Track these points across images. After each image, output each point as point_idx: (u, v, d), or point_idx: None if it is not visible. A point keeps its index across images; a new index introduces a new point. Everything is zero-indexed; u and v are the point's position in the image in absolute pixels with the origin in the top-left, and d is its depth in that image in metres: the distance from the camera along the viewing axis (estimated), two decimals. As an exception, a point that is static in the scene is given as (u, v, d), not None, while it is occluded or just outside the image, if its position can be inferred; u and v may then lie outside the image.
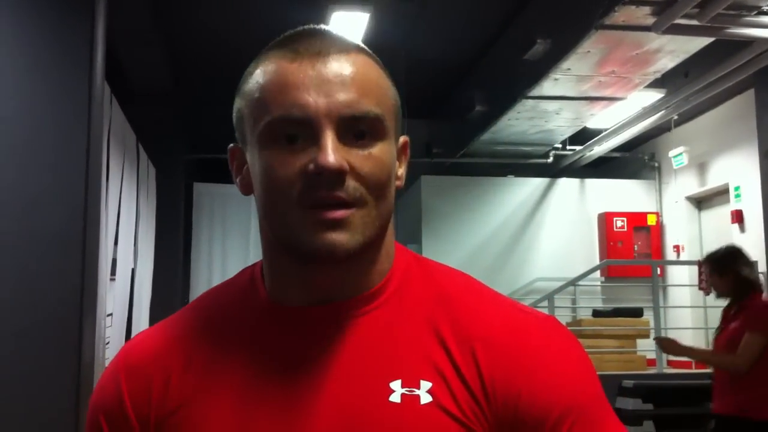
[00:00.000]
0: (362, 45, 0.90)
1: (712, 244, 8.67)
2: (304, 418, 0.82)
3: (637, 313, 8.75)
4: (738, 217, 8.08)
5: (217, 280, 8.76)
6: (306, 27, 0.90)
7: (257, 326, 0.89)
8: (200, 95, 8.84)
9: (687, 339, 8.59)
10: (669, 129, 8.55)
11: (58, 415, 3.60)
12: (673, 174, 9.35)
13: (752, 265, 4.26)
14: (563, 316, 8.68)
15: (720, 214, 8.68)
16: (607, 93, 6.88)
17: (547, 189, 9.65)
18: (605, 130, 8.54)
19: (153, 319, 7.49)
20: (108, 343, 6.39)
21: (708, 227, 9.08)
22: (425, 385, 0.82)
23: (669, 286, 9.14)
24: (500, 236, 9.40)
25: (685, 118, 8.34)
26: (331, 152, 0.81)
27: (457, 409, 0.82)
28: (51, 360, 3.65)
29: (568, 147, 9.46)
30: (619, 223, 9.54)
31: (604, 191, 9.70)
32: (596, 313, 8.93)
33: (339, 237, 0.82)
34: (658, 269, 8.53)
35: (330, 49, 0.85)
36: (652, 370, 8.09)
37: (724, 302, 4.21)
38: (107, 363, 5.43)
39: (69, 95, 3.74)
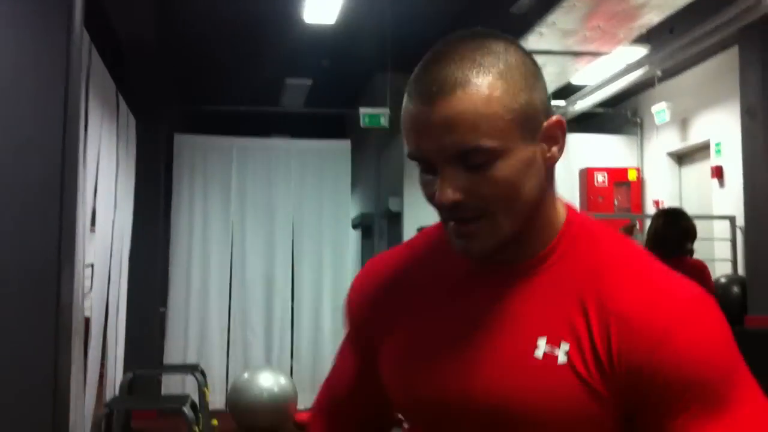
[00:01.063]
0: (483, 64, 0.93)
1: (692, 200, 8.75)
2: (465, 353, 0.97)
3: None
4: (718, 172, 8.13)
5: (198, 232, 8.76)
6: (435, 53, 0.97)
7: (446, 272, 1.04)
8: (183, 46, 8.73)
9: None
10: (652, 85, 8.54)
11: (38, 362, 3.61)
12: (655, 130, 9.37)
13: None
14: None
15: (700, 170, 8.73)
16: (591, 48, 6.85)
17: (530, 143, 9.65)
18: (589, 85, 8.52)
19: (132, 269, 7.49)
20: (89, 292, 6.38)
21: (688, 183, 9.14)
22: (564, 346, 0.92)
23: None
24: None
25: (669, 74, 8.33)
26: (444, 190, 0.93)
27: (587, 373, 0.91)
28: (30, 308, 3.65)
29: (551, 102, 9.44)
30: (600, 178, 9.57)
31: (586, 146, 9.71)
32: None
33: (470, 245, 0.96)
34: (638, 223, 8.59)
35: (440, 91, 0.91)
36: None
37: (703, 250, 4.24)
38: (86, 313, 5.44)
39: (47, 43, 3.68)
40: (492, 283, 0.99)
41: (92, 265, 6.38)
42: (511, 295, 0.97)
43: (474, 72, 0.91)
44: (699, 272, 4.06)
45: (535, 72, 0.98)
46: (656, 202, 9.50)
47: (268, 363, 8.45)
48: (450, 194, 0.92)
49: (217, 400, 8.07)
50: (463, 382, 0.96)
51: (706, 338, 0.92)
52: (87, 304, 6.09)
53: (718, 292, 7.15)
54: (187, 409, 5.66)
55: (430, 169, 0.96)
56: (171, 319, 8.69)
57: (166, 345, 8.65)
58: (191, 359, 8.38)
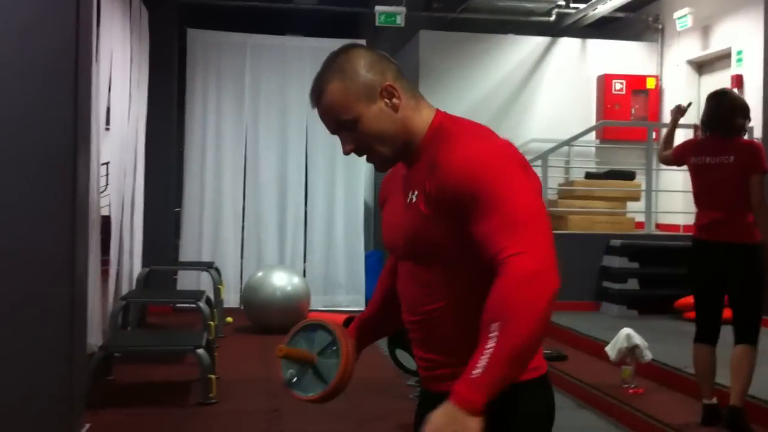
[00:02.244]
0: (331, 72, 1.60)
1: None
2: (393, 213, 1.69)
3: (629, 175, 8.81)
4: (738, 82, 8.00)
5: (211, 131, 8.73)
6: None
7: (397, 174, 1.72)
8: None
9: (678, 202, 8.71)
10: (676, -11, 8.33)
11: (56, 253, 3.68)
12: (676, 37, 9.19)
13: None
14: (556, 177, 8.75)
15: (720, 79, 8.59)
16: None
17: (547, 49, 9.49)
18: (610, -12, 8.31)
19: (148, 167, 7.52)
20: (104, 190, 6.44)
21: (707, 92, 8.99)
22: (414, 194, 1.60)
23: (663, 150, 9.14)
24: (497, 96, 9.32)
25: (693, -22, 8.12)
26: (343, 145, 1.64)
27: (422, 206, 1.57)
28: (48, 201, 3.69)
29: (571, 5, 9.24)
30: (618, 86, 9.44)
31: (604, 53, 9.54)
32: (589, 175, 8.99)
33: (375, 166, 1.68)
34: (654, 132, 8.52)
35: (315, 96, 1.62)
36: (639, 232, 8.23)
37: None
38: (104, 211, 5.49)
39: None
40: (401, 176, 1.68)
41: (107, 164, 6.42)
42: (406, 178, 1.65)
43: (327, 80, 1.60)
44: (754, 150, 4.06)
45: (370, 62, 1.60)
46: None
47: (282, 263, 8.57)
48: (346, 147, 1.64)
49: (231, 298, 8.23)
50: (391, 229, 1.69)
51: (482, 160, 1.49)
52: (105, 202, 6.16)
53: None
54: (202, 304, 5.79)
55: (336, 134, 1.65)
56: (186, 218, 8.78)
57: (181, 244, 8.77)
58: (206, 258, 8.50)
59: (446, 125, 1.62)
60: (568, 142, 8.32)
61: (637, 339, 4.84)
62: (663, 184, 8.78)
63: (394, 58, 1.66)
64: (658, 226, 8.46)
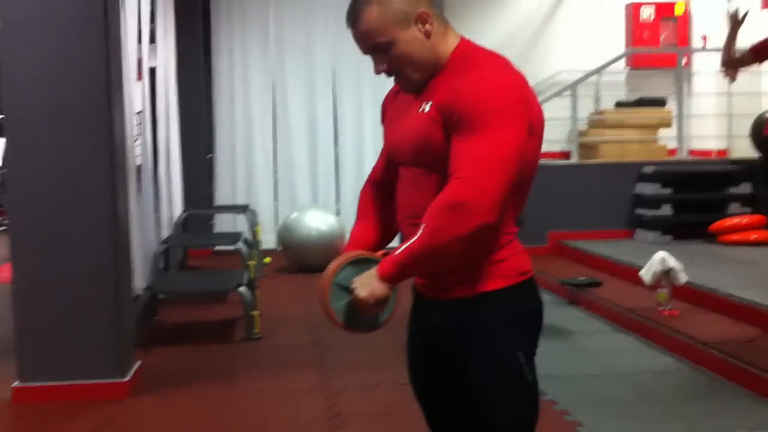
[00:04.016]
0: None
1: (741, 34, 8.48)
2: (402, 119, 1.79)
3: (660, 102, 8.75)
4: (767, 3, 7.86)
5: (239, 77, 8.78)
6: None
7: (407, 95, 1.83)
8: None
9: (710, 126, 8.64)
10: None
11: (98, 198, 3.80)
12: (705, -42, 9.01)
13: None
14: (585, 107, 8.70)
15: (750, 2, 8.42)
16: None
17: (574, -23, 9.35)
18: None
19: (180, 116, 7.61)
20: (137, 140, 6.54)
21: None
22: (428, 104, 1.70)
23: (695, 74, 9.03)
24: (524, 28, 9.23)
25: None
26: (376, 66, 1.75)
27: (433, 113, 1.68)
28: (87, 148, 3.80)
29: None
30: (646, 13, 9.31)
31: (632, -21, 9.38)
32: (619, 104, 8.93)
33: (402, 87, 1.79)
34: (684, 58, 8.41)
35: (352, 20, 1.71)
36: (672, 159, 8.20)
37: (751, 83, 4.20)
38: (137, 160, 5.58)
39: None
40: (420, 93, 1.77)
41: (140, 113, 6.51)
42: (424, 93, 1.73)
43: (365, 4, 1.69)
44: None
45: None
46: (703, 37, 9.26)
47: (315, 203, 8.67)
48: (378, 68, 1.75)
49: (267, 239, 8.36)
50: (399, 136, 1.80)
51: (488, 91, 1.62)
52: (138, 151, 6.26)
53: (764, 126, 7.08)
54: (241, 245, 5.92)
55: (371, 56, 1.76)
56: (219, 163, 8.89)
57: (215, 189, 8.90)
58: (240, 202, 8.63)
59: (469, 52, 1.73)
60: (597, 72, 8.25)
61: (672, 262, 4.89)
62: (694, 109, 8.70)
63: None
64: (691, 152, 8.41)
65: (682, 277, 4.90)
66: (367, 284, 1.67)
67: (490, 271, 1.71)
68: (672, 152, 8.34)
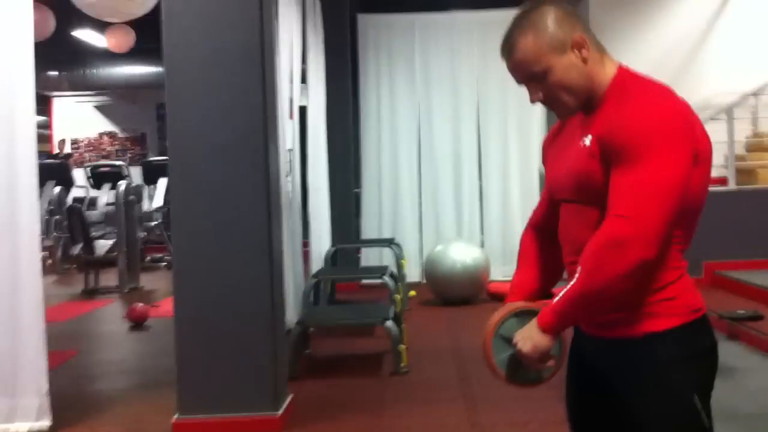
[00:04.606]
0: (524, 28, 1.67)
1: None
2: (563, 155, 1.77)
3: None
4: None
5: (386, 112, 8.97)
6: (507, 28, 1.72)
7: (569, 124, 1.81)
8: None
9: None
10: None
11: (254, 230, 3.96)
12: None
13: None
14: (743, 130, 8.30)
15: None
16: None
17: (728, -5, 8.99)
18: None
19: (329, 152, 7.84)
20: (288, 176, 6.79)
21: None
22: (588, 138, 1.67)
23: None
24: (675, 51, 8.92)
25: None
26: (531, 95, 1.72)
27: (593, 147, 1.64)
28: (245, 183, 3.97)
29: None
30: (812, 26, 8.79)
31: (791, -6, 8.90)
32: (783, 126, 8.48)
33: (558, 114, 1.76)
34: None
35: (507, 52, 1.70)
36: None
37: None
38: (289, 196, 5.77)
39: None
40: (579, 122, 1.74)
41: (291, 150, 6.76)
42: (584, 125, 1.71)
43: (519, 34, 1.68)
44: None
45: (561, 17, 1.66)
46: None
47: (459, 236, 8.69)
48: (534, 96, 1.72)
49: (412, 272, 8.44)
50: (559, 172, 1.78)
51: (645, 121, 1.58)
52: (289, 187, 6.50)
53: None
54: (387, 278, 6.01)
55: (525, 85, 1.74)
56: (365, 198, 9.08)
57: (362, 223, 9.09)
58: (386, 235, 8.77)
59: (628, 81, 1.69)
60: (755, 93, 7.86)
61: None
62: None
63: None
64: None
65: None
66: (530, 337, 1.65)
67: (660, 309, 1.64)
68: None
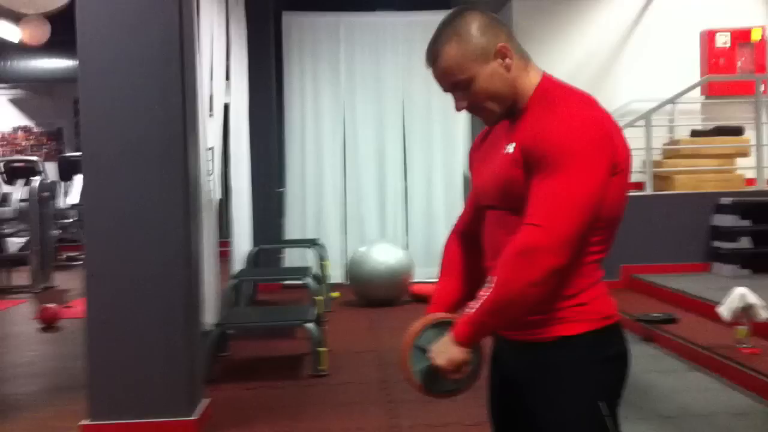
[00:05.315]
0: (448, 35, 1.68)
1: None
2: (487, 162, 1.78)
3: (737, 131, 8.51)
4: None
5: (310, 112, 8.89)
6: (433, 34, 1.72)
7: (495, 130, 1.82)
8: None
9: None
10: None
11: (171, 234, 3.85)
12: (782, -17, 8.77)
13: None
14: (660, 137, 8.52)
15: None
16: None
17: (646, 6, 9.21)
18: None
19: (252, 151, 7.73)
20: (210, 174, 6.65)
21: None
22: (511, 145, 1.66)
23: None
24: (595, 58, 9.13)
25: None
26: (456, 103, 1.74)
27: (516, 154, 1.64)
28: (162, 185, 3.86)
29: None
30: (722, 40, 9.10)
31: (706, 6, 9.19)
32: (695, 133, 8.73)
33: (484, 121, 1.78)
34: (762, 85, 8.17)
35: (432, 59, 1.70)
36: (750, 189, 7.94)
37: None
38: (209, 196, 5.65)
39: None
40: (504, 129, 1.75)
41: (212, 149, 6.63)
42: (508, 132, 1.72)
43: (443, 42, 1.68)
44: None
45: (484, 25, 1.67)
46: (783, 62, 8.99)
47: (383, 237, 8.67)
48: (459, 105, 1.73)
49: (336, 273, 8.39)
50: (484, 179, 1.78)
51: (565, 131, 1.58)
52: (211, 185, 6.37)
53: None
54: (309, 280, 5.94)
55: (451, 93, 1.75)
56: (289, 198, 8.98)
57: (285, 223, 8.99)
58: (309, 236, 8.69)
59: (551, 89, 1.71)
60: (672, 100, 8.07)
61: (753, 298, 4.71)
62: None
63: None
64: (769, 182, 8.13)
65: (764, 314, 4.71)
66: (445, 350, 1.65)
67: (572, 314, 1.65)
68: (749, 182, 8.09)
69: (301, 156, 8.95)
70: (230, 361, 5.32)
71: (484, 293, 1.61)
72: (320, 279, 6.73)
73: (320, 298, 5.77)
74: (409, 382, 1.72)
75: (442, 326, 1.71)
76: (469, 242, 1.88)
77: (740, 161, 8.29)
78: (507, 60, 1.68)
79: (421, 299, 7.46)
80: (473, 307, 1.62)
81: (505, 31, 1.71)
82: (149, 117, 3.84)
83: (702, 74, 9.04)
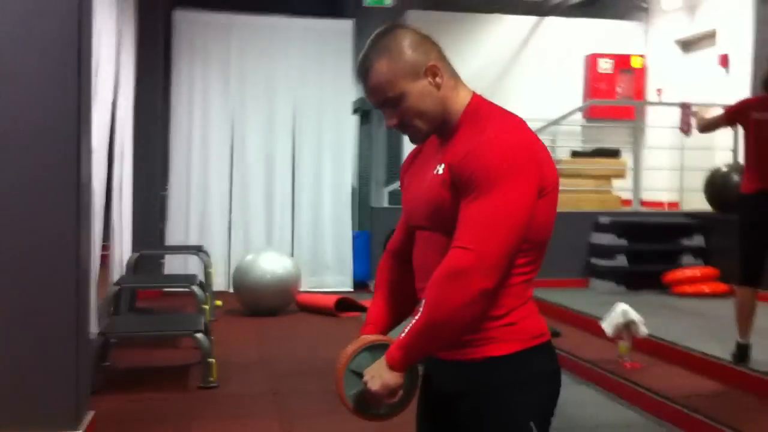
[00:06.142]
0: (379, 51, 1.68)
1: (697, 87, 8.71)
2: (416, 181, 1.78)
3: (614, 153, 8.89)
4: (724, 60, 8.07)
5: (198, 111, 8.65)
6: (364, 49, 1.72)
7: (425, 149, 1.83)
8: None
9: (662, 179, 8.79)
10: (661, -33, 8.37)
11: (60, 244, 3.65)
12: (662, 16, 9.24)
13: None
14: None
15: (705, 57, 8.66)
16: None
17: (534, 28, 9.51)
18: (596, -33, 8.34)
19: (135, 153, 7.46)
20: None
21: (693, 70, 9.07)
22: (441, 167, 1.66)
23: (650, 127, 9.18)
24: (483, 76, 9.31)
25: (678, -44, 8.16)
26: (387, 119, 1.73)
27: (445, 176, 1.64)
28: (52, 189, 3.65)
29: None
30: (604, 65, 9.49)
31: (591, 32, 9.58)
32: (575, 154, 9.06)
33: (412, 139, 1.77)
34: (643, 110, 8.57)
35: (363, 74, 1.70)
36: (626, 209, 8.30)
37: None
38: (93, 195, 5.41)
39: None
40: (434, 149, 1.76)
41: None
42: (438, 152, 1.72)
43: (374, 59, 1.67)
44: None
45: (416, 42, 1.68)
46: (658, 90, 9.47)
47: (269, 245, 8.54)
48: (389, 121, 1.72)
49: (219, 281, 8.20)
50: (415, 199, 1.76)
51: (493, 153, 1.58)
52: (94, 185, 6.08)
53: (718, 181, 7.23)
54: (196, 288, 5.77)
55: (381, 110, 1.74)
56: (172, 202, 8.71)
57: (167, 227, 8.71)
58: (192, 241, 8.45)
59: (481, 109, 1.70)
60: (557, 122, 8.35)
61: (633, 314, 4.90)
62: (647, 161, 8.85)
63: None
64: (642, 203, 8.54)
65: (643, 330, 4.91)
66: (379, 375, 1.63)
67: (501, 334, 1.65)
68: (625, 203, 8.46)
69: (187, 159, 8.69)
70: (112, 371, 5.07)
71: (415, 316, 1.60)
72: (204, 287, 6.55)
73: (207, 306, 5.62)
74: (344, 406, 1.71)
75: (376, 349, 1.70)
76: (401, 262, 1.87)
77: (617, 183, 8.65)
78: (437, 78, 1.68)
79: (308, 309, 7.39)
80: (403, 333, 1.61)
81: (436, 49, 1.71)
82: (41, 112, 3.61)
83: (585, 97, 9.40)
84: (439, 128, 1.71)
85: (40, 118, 3.61)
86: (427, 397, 1.81)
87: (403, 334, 1.61)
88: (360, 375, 1.67)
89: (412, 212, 1.78)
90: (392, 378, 1.62)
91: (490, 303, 1.60)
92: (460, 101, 1.70)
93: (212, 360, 4.77)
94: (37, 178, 3.61)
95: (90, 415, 3.85)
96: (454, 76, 1.72)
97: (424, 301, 1.59)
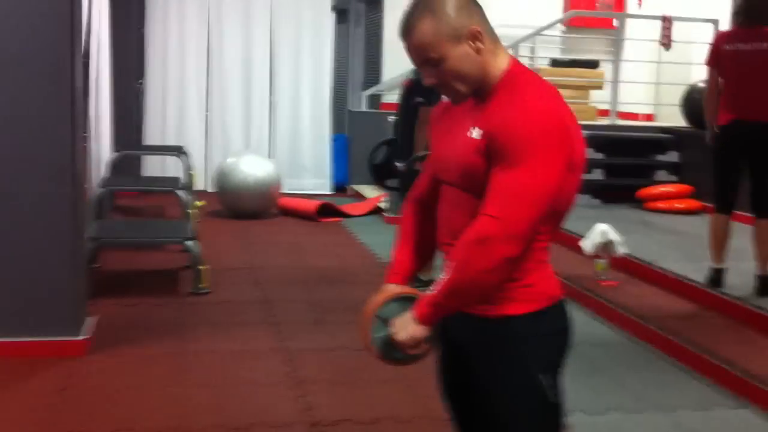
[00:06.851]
0: (422, 10, 1.69)
1: (676, 2, 8.68)
2: (449, 139, 1.80)
3: (593, 64, 8.91)
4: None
5: (173, 9, 8.42)
6: (407, 8, 1.73)
7: (461, 107, 1.82)
8: None
9: (639, 92, 8.87)
10: None
11: (57, 155, 3.66)
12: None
13: None
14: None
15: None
16: None
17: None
18: None
19: (113, 51, 7.30)
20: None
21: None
22: (477, 130, 1.69)
23: (629, 39, 9.19)
24: None
25: None
26: (426, 78, 1.76)
27: (480, 140, 1.68)
28: (49, 98, 3.64)
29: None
30: (585, -24, 9.40)
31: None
32: (554, 63, 9.05)
33: (451, 99, 1.80)
34: (616, 21, 8.55)
35: (405, 33, 1.72)
36: (603, 121, 8.39)
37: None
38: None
39: None
40: (469, 108, 1.77)
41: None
42: (473, 113, 1.75)
43: (418, 18, 1.70)
44: None
45: (460, 5, 1.69)
46: (639, 2, 9.44)
47: (248, 147, 8.54)
48: (428, 80, 1.75)
49: (198, 181, 8.20)
50: (446, 157, 1.80)
51: (528, 124, 1.62)
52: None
53: (695, 96, 7.33)
54: (181, 192, 5.81)
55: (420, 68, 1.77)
56: (149, 102, 8.61)
57: (144, 128, 8.63)
58: (169, 143, 8.41)
59: (518, 76, 1.73)
60: (539, 32, 8.31)
61: (612, 235, 5.07)
62: (625, 75, 8.89)
63: None
64: (618, 114, 8.62)
65: (621, 250, 5.09)
66: (405, 327, 1.73)
67: (519, 294, 1.74)
68: (601, 113, 8.54)
69: (163, 59, 8.56)
70: (102, 274, 5.15)
71: (443, 276, 1.69)
72: (188, 189, 6.58)
73: (194, 210, 5.66)
74: (366, 349, 1.81)
75: (404, 301, 1.79)
76: (425, 211, 1.94)
77: (594, 93, 8.71)
78: (478, 43, 1.70)
79: (289, 213, 7.47)
80: (432, 289, 1.70)
81: (479, 12, 1.72)
82: (33, 28, 3.58)
83: (565, 5, 9.33)
84: (476, 90, 1.75)
85: (30, 35, 3.58)
86: (446, 349, 1.91)
87: (432, 292, 1.70)
88: (385, 321, 1.77)
89: (441, 167, 1.83)
90: (419, 331, 1.72)
91: (514, 268, 1.68)
92: (498, 66, 1.73)
93: (203, 267, 4.86)
94: (30, 87, 3.61)
95: (91, 321, 3.95)
96: (495, 40, 1.74)
97: (451, 262, 1.68)
